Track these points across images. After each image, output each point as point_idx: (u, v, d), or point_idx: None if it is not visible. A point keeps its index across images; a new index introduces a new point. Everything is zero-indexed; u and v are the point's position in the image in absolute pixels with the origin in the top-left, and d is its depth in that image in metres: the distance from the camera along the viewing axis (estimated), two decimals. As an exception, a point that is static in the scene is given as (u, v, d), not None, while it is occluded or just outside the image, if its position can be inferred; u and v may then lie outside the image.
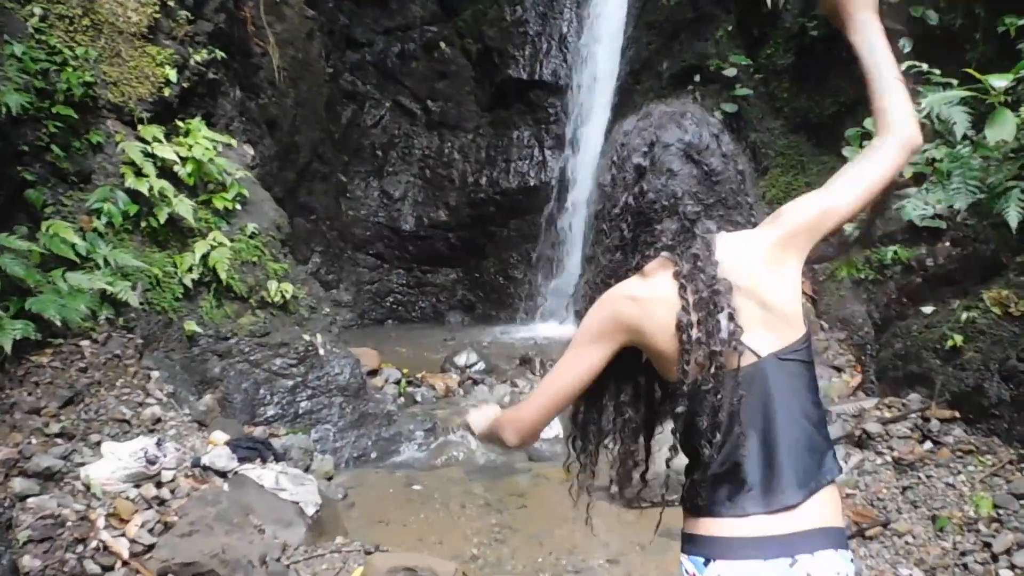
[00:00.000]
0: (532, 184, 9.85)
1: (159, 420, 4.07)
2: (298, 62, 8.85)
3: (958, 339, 4.28)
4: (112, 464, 3.42)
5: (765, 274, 1.41)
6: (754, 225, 1.49)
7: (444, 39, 10.67)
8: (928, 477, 3.88)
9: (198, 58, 5.57)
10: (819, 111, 6.90)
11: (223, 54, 5.92)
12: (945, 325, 4.46)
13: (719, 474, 1.41)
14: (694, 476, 1.46)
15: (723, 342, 1.37)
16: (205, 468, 3.78)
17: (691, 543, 1.46)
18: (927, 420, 4.25)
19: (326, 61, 9.90)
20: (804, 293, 5.78)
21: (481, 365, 6.95)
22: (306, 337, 5.42)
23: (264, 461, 4.08)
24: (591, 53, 9.58)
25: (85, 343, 4.12)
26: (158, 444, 3.63)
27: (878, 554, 3.53)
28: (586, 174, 9.31)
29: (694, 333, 1.38)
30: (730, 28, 7.85)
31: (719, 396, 1.38)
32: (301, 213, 9.09)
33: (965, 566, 3.24)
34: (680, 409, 1.43)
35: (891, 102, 1.52)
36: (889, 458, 4.12)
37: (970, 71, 4.43)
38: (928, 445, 4.11)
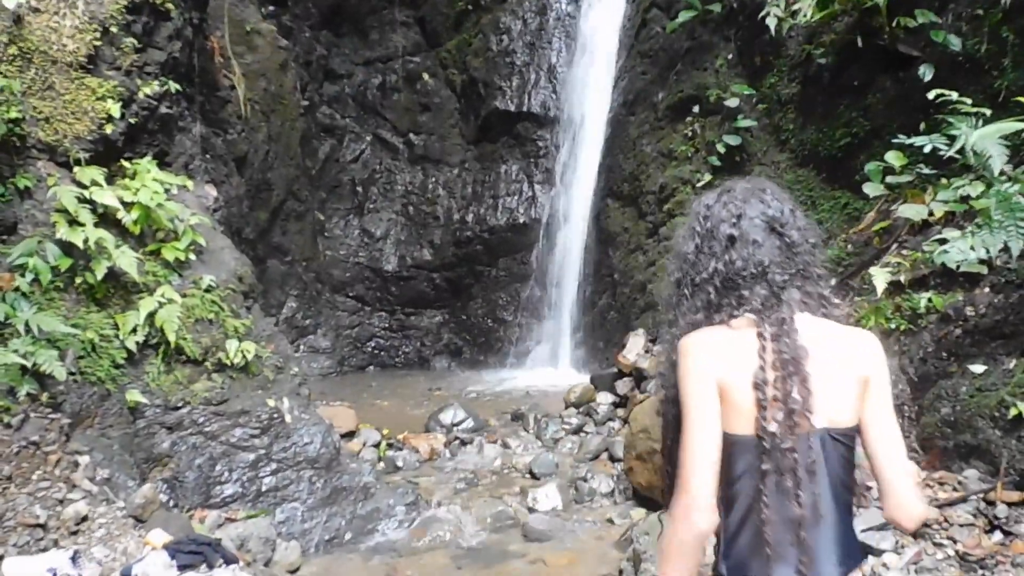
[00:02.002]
0: (521, 221, 9.44)
1: (84, 519, 3.37)
2: (271, 95, 8.48)
3: (1023, 407, 3.69)
4: (11, 591, 2.71)
5: (836, 362, 1.51)
6: (826, 303, 1.60)
7: (427, 70, 10.35)
8: (1004, 578, 3.24)
9: (148, 91, 4.94)
10: (829, 144, 6.40)
11: (178, 87, 5.30)
12: (1004, 389, 3.89)
13: (754, 544, 1.47)
14: (736, 543, 1.50)
15: (796, 403, 1.45)
16: (134, 584, 3.06)
17: None
18: (992, 504, 3.63)
19: (302, 93, 9.56)
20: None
21: (469, 423, 6.35)
22: (271, 403, 4.76)
23: (211, 566, 3.38)
24: (582, 83, 9.18)
25: (-4, 428, 3.40)
26: (73, 559, 2.93)
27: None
28: (578, 211, 8.81)
29: (769, 391, 1.46)
30: (730, 56, 7.39)
31: (796, 456, 1.45)
32: (275, 255, 8.69)
33: None
34: (767, 466, 1.46)
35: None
36: (952, 552, 3.46)
37: (1021, 99, 3.94)
38: (997, 536, 3.48)
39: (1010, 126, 3.93)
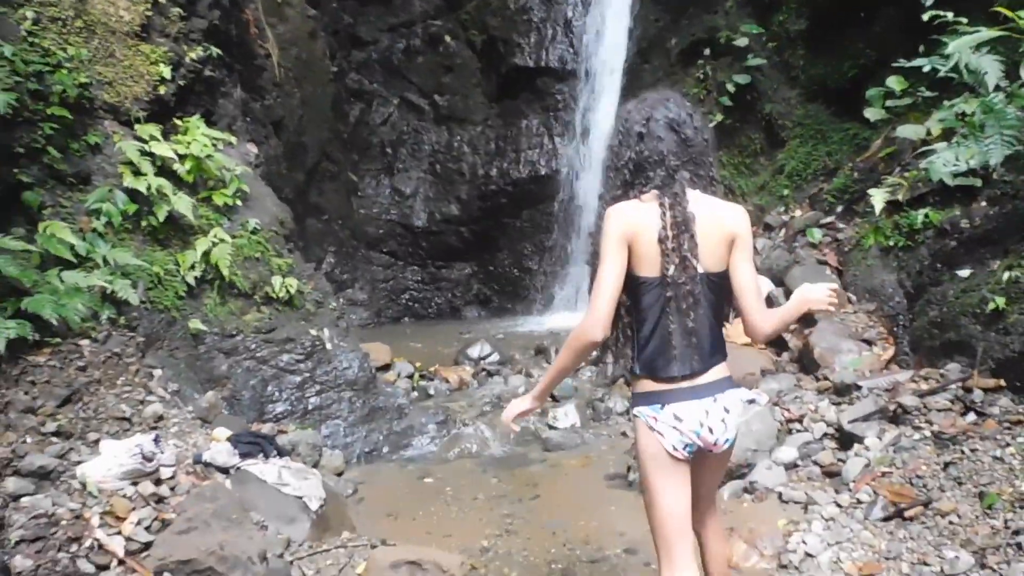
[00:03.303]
0: (543, 173, 9.75)
1: (161, 418, 3.99)
2: (302, 62, 8.83)
3: (1000, 301, 4.03)
4: (109, 462, 3.33)
5: (712, 226, 2.16)
6: (712, 181, 2.25)
7: (448, 32, 10.61)
8: (973, 451, 3.59)
9: (193, 55, 5.51)
10: (837, 77, 6.66)
11: (219, 51, 5.84)
12: (985, 287, 4.21)
13: (664, 348, 2.15)
14: (644, 348, 2.17)
15: (688, 251, 2.10)
16: (206, 464, 3.68)
17: (645, 398, 2.20)
18: (969, 391, 3.99)
19: (331, 60, 9.86)
20: (829, 265, 5.60)
21: (495, 356, 6.84)
22: (313, 332, 5.32)
23: (267, 456, 3.98)
24: (598, 36, 9.44)
25: (84, 342, 4.05)
26: (155, 441, 3.53)
27: (920, 536, 3.25)
28: (597, 159, 9.13)
29: (670, 244, 2.11)
30: (739, -3, 7.63)
31: (688, 287, 2.12)
32: (313, 214, 9.11)
33: (1019, 545, 2.97)
34: (669, 294, 2.13)
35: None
36: (928, 433, 3.85)
37: (1000, 8, 4.16)
38: (971, 417, 3.84)
39: (985, 35, 4.14)
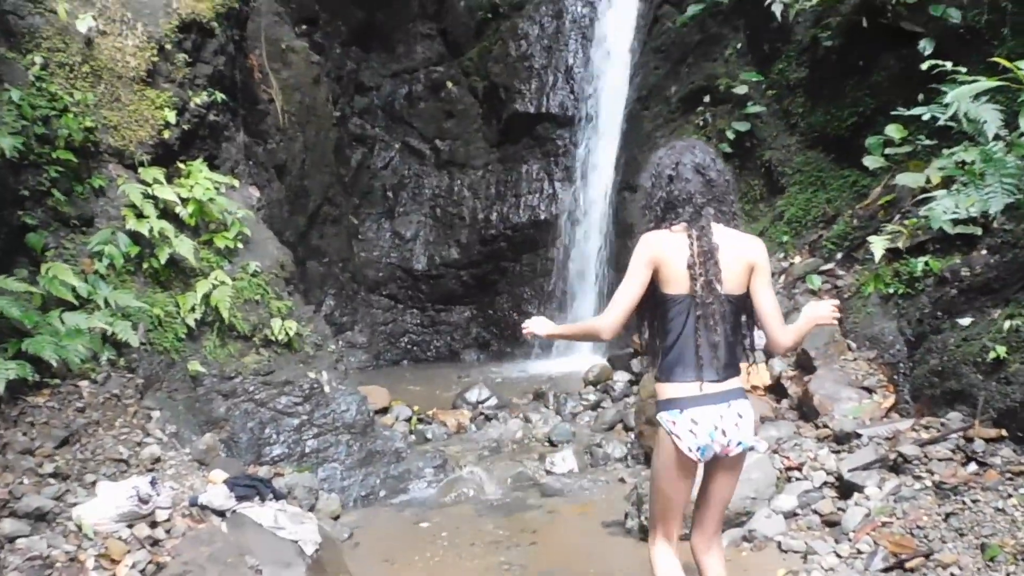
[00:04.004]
0: (543, 217, 9.94)
1: (158, 460, 4.04)
2: (305, 107, 9.08)
3: (1001, 350, 4.07)
4: (105, 504, 3.38)
5: (733, 255, 2.53)
6: (735, 216, 2.64)
7: (450, 79, 10.90)
8: (974, 502, 3.62)
9: (197, 100, 5.68)
10: (837, 124, 6.80)
11: (223, 96, 6.02)
12: (986, 336, 4.26)
13: (684, 357, 2.53)
14: (669, 357, 2.55)
15: (713, 276, 2.47)
16: (202, 507, 3.72)
17: (667, 404, 2.56)
18: (970, 440, 4.02)
19: (334, 106, 10.13)
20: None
21: (493, 400, 6.89)
22: (311, 375, 5.40)
23: (263, 499, 4.01)
24: (598, 83, 9.71)
25: (84, 383, 4.13)
26: (152, 483, 3.58)
27: (920, 587, 3.29)
28: (597, 205, 9.32)
29: (698, 269, 2.48)
30: (739, 46, 7.85)
31: (715, 306, 2.49)
32: (314, 257, 9.27)
33: (1021, 599, 3.00)
34: (698, 312, 2.51)
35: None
36: (929, 483, 3.88)
37: (999, 59, 4.28)
38: (973, 467, 3.86)
39: (984, 84, 4.27)
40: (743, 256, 2.53)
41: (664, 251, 2.51)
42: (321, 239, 9.43)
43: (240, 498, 3.92)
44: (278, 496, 4.17)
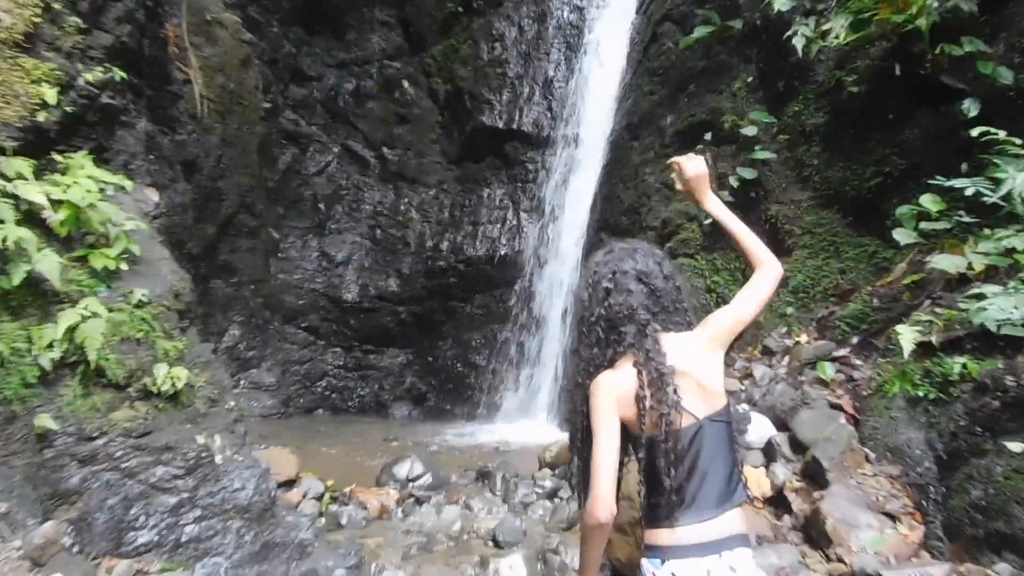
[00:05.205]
0: (503, 253, 9.67)
1: (-27, 559, 3.38)
2: (229, 93, 8.73)
3: (1068, 494, 3.78)
4: None
5: (699, 362, 2.45)
6: (690, 325, 2.55)
7: (407, 77, 10.63)
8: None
9: (90, 77, 5.10)
10: (857, 183, 6.61)
11: (124, 75, 5.47)
12: (1043, 469, 3.97)
13: (667, 499, 2.37)
14: (650, 500, 2.44)
15: (670, 407, 2.37)
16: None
17: (650, 550, 2.42)
18: (1026, 602, 3.70)
19: (264, 94, 9.80)
20: (844, 412, 5.37)
21: (428, 478, 6.42)
22: (200, 439, 4.80)
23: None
24: (581, 101, 9.47)
25: None
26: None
27: None
28: (568, 245, 9.01)
29: (648, 403, 2.38)
30: (749, 80, 7.67)
31: (670, 445, 2.37)
32: (220, 275, 8.89)
33: None
34: (641, 455, 2.45)
35: (755, 247, 2.60)
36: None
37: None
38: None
39: None
40: (703, 357, 2.46)
41: (622, 389, 2.43)
42: (232, 254, 9.01)
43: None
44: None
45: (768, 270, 2.56)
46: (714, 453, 2.42)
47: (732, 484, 2.43)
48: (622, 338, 2.47)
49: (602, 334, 2.52)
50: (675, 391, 2.37)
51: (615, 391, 2.43)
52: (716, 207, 2.70)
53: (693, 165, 2.74)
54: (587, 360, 2.53)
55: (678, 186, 2.77)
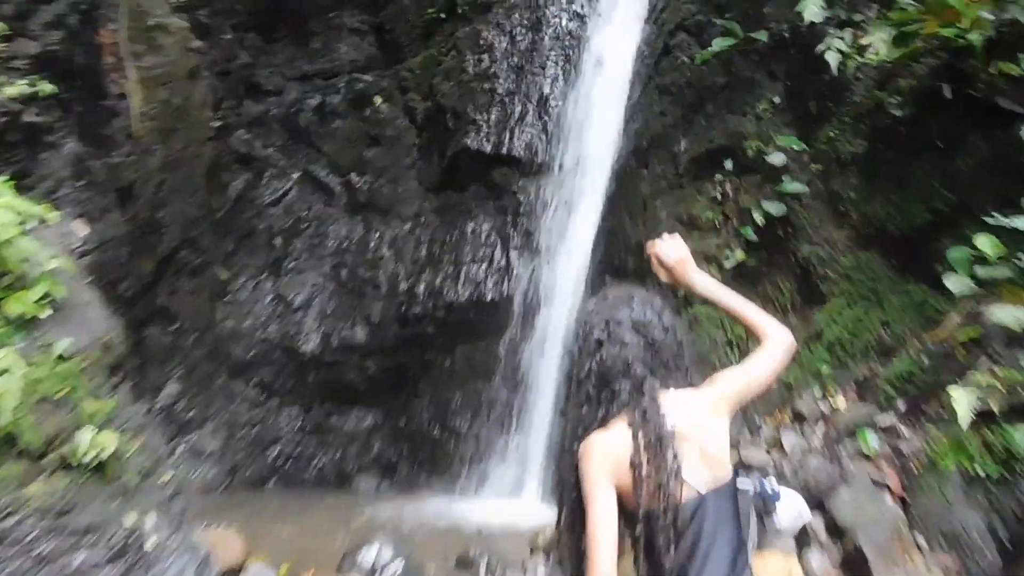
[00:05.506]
0: (490, 298, 9.65)
1: None
2: (173, 109, 8.84)
3: None
4: None
5: (704, 426, 2.49)
6: (691, 383, 2.58)
7: (381, 92, 10.72)
8: None
9: (12, 92, 5.21)
10: (901, 221, 6.67)
11: (54, 89, 5.57)
12: None
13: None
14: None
15: (668, 475, 2.36)
16: None
17: None
18: None
19: (214, 111, 9.95)
20: (891, 491, 5.37)
21: (399, 566, 6.40)
22: (129, 519, 4.80)
23: None
24: (582, 122, 9.55)
25: None
26: None
27: None
28: (566, 289, 9.06)
29: (644, 469, 2.36)
30: (776, 100, 7.76)
31: (669, 519, 2.36)
32: (157, 320, 8.96)
33: None
34: (638, 531, 2.40)
35: (759, 319, 2.72)
36: None
37: None
38: None
39: None
40: (709, 418, 2.52)
41: (619, 455, 2.44)
42: (172, 296, 9.11)
43: None
44: None
45: (780, 340, 2.67)
46: (718, 531, 2.42)
47: (738, 569, 2.43)
48: (615, 396, 2.50)
49: (593, 391, 2.55)
50: (675, 457, 2.38)
51: (608, 455, 2.43)
52: (708, 286, 2.79)
53: (672, 249, 2.83)
54: (576, 421, 2.55)
55: (661, 276, 2.87)
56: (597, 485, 2.40)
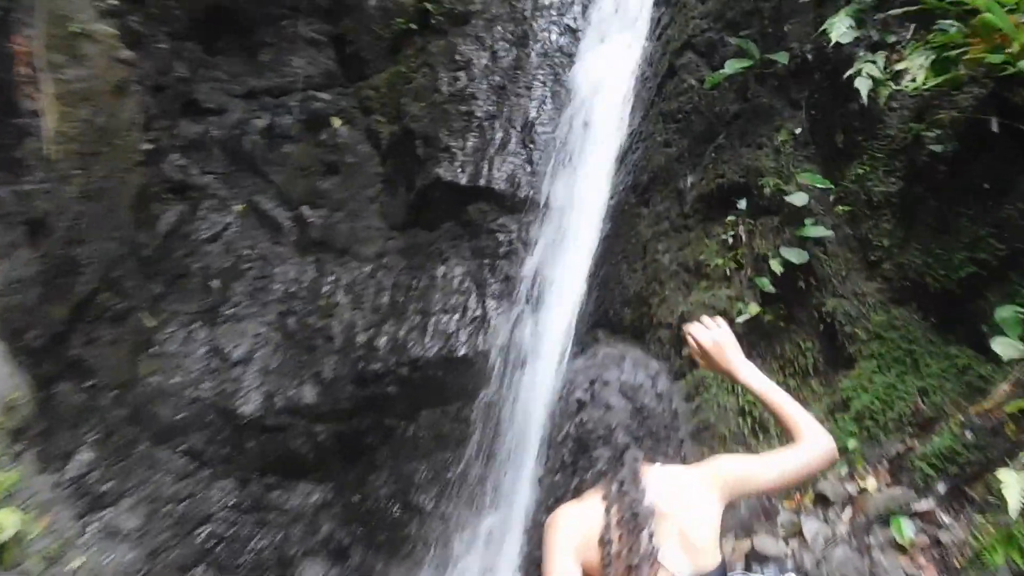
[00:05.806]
0: (462, 353, 9.67)
1: None
2: (96, 130, 8.93)
3: None
4: None
5: (689, 507, 2.58)
6: (683, 458, 2.74)
7: (340, 113, 10.84)
8: None
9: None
10: (943, 273, 6.67)
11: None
12: None
13: None
14: None
15: (642, 557, 2.42)
16: None
17: None
18: None
19: (144, 132, 10.02)
20: (930, 588, 5.34)
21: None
22: (29, 616, 4.70)
23: None
24: (574, 153, 9.60)
25: None
26: None
27: None
28: (552, 345, 9.07)
29: (614, 548, 2.45)
30: (798, 131, 7.79)
31: None
32: (70, 376, 8.97)
33: None
34: None
35: (804, 421, 2.84)
36: None
37: None
38: None
39: None
40: (705, 499, 2.60)
41: (587, 528, 2.52)
42: (88, 347, 9.15)
43: None
44: None
45: (819, 445, 2.77)
46: None
47: None
48: (592, 464, 2.61)
49: (568, 457, 2.67)
50: (651, 537, 2.45)
51: (577, 529, 2.52)
52: (754, 378, 2.90)
53: (711, 335, 2.95)
54: (549, 490, 2.68)
55: (699, 361, 3.01)
56: (559, 559, 2.47)
